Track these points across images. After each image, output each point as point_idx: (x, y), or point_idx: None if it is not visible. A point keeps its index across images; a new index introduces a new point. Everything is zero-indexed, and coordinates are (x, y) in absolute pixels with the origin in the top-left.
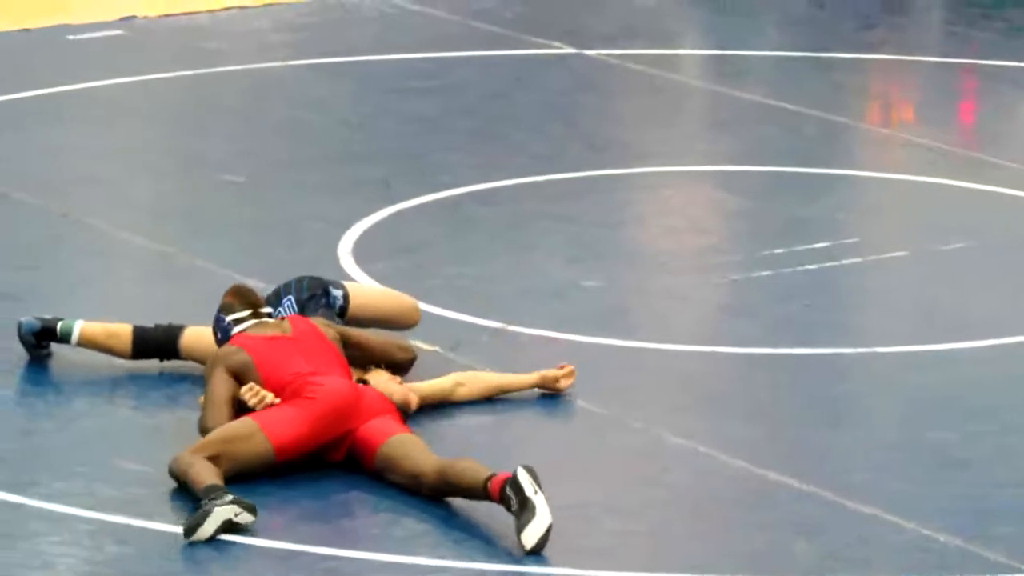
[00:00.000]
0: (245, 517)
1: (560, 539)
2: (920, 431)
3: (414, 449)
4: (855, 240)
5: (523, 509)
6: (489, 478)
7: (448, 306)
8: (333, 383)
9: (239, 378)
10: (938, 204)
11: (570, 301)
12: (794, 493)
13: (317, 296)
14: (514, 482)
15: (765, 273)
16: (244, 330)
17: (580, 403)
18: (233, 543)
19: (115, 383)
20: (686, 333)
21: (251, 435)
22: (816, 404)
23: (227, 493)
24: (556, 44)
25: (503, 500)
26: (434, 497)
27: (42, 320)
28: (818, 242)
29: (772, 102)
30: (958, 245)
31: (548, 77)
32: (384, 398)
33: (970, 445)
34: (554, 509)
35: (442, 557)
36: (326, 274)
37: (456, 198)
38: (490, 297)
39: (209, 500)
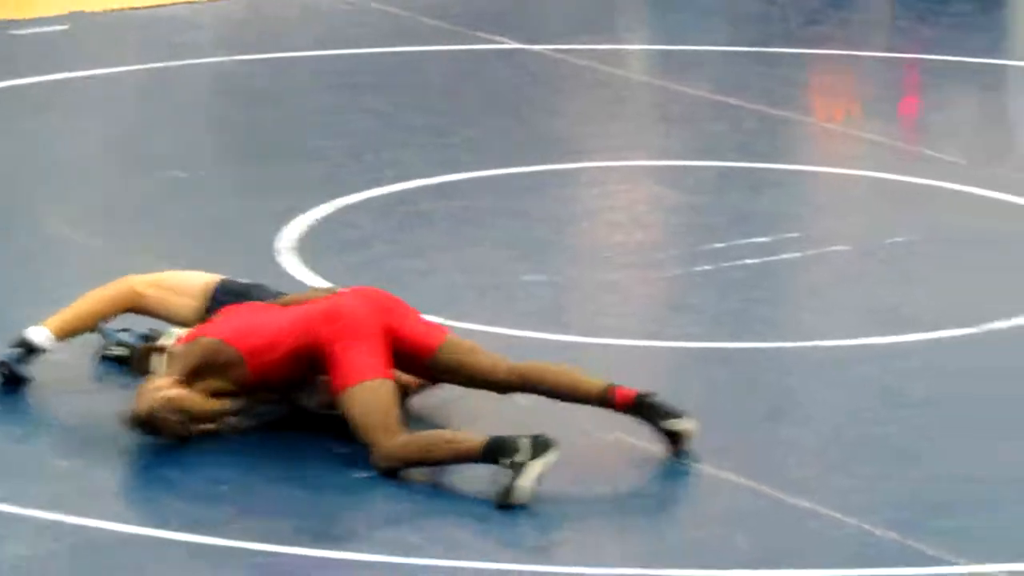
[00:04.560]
0: (549, 458)
1: (499, 535)
2: (861, 425)
3: (472, 352)
4: (797, 235)
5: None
6: (609, 386)
7: None
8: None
9: (207, 369)
10: (881, 198)
11: (512, 296)
12: (733, 487)
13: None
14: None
15: (706, 268)
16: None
17: (520, 400)
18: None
19: (35, 377)
20: (626, 327)
21: (382, 384)
22: (756, 398)
23: (520, 439)
24: (502, 39)
25: (639, 408)
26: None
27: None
28: (760, 237)
29: (718, 97)
30: (900, 239)
31: (495, 72)
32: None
33: (912, 439)
34: (487, 506)
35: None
36: (264, 269)
37: (402, 193)
38: (433, 291)
39: (508, 458)
